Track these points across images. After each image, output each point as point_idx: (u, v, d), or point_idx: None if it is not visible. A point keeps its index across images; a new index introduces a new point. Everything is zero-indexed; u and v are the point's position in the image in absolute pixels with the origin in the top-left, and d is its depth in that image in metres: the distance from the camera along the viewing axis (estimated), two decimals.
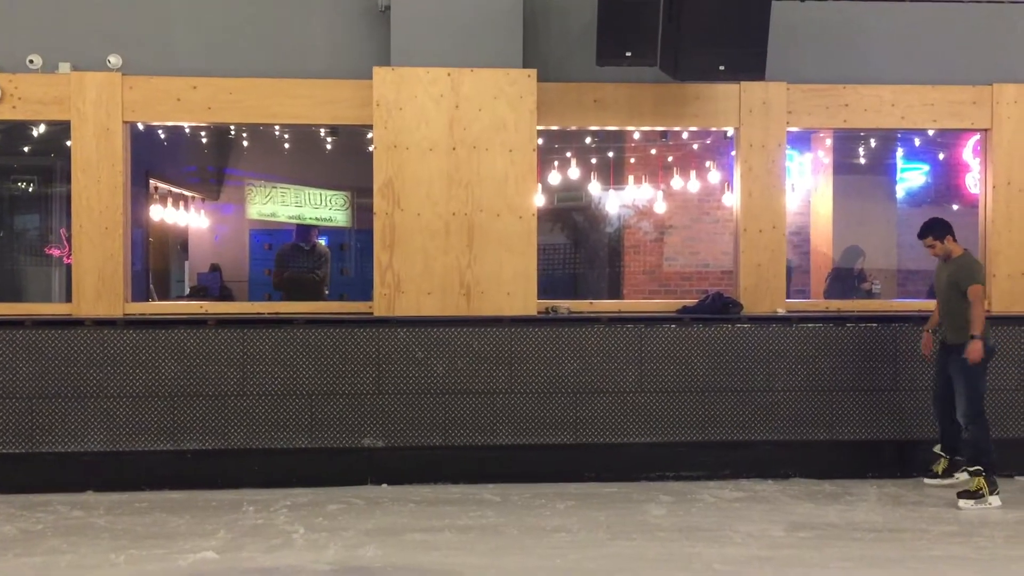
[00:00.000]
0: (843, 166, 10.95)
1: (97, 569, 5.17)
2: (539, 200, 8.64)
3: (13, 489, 6.76)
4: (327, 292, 9.78)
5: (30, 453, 6.83)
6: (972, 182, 9.90)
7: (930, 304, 7.89)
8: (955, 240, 6.81)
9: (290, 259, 9.51)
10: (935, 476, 6.98)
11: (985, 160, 7.89)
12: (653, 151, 11.35)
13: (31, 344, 6.85)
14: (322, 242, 10.15)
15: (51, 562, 5.28)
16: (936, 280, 6.97)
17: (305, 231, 10.06)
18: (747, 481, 7.12)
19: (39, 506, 6.46)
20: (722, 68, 6.85)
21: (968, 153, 10.09)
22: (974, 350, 6.47)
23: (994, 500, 6.43)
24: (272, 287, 9.89)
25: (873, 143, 10.35)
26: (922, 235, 6.84)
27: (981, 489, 6.44)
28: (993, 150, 7.75)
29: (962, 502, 6.43)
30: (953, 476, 6.90)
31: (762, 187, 7.60)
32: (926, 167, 11.45)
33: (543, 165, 10.48)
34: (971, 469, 6.56)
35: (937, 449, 6.99)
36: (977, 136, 8.33)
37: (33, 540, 5.71)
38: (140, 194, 9.71)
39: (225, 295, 10.98)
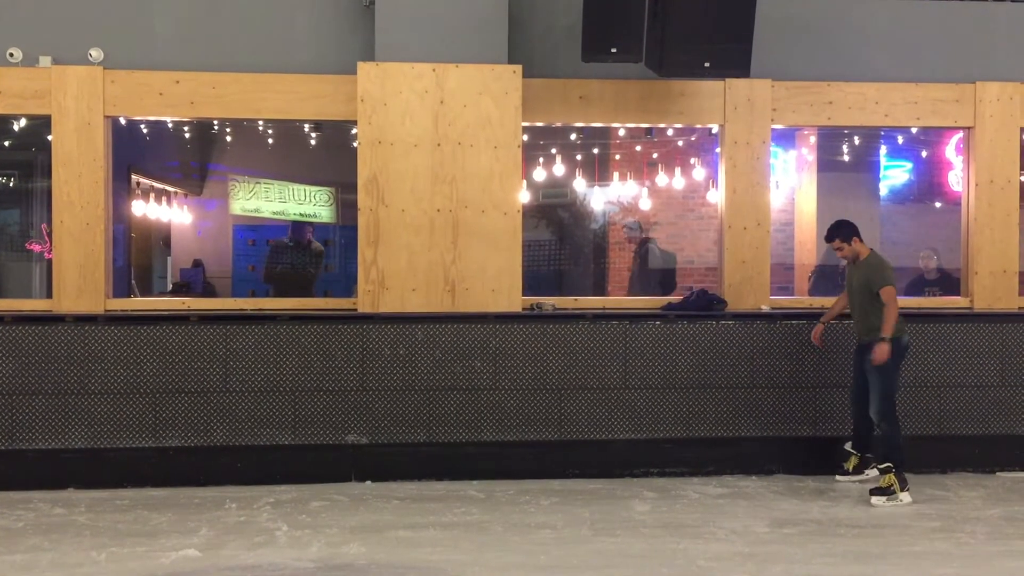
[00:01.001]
0: (827, 163, 10.99)
1: (79, 567, 5.13)
2: (524, 196, 8.62)
3: None
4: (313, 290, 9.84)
5: (10, 450, 6.77)
6: (955, 180, 9.96)
7: (911, 301, 7.98)
8: (862, 241, 6.81)
9: (283, 256, 9.69)
10: (846, 473, 6.98)
11: (968, 158, 7.93)
12: (638, 148, 11.36)
13: (11, 341, 6.79)
14: (319, 244, 10.27)
15: (32, 560, 5.23)
16: (847, 281, 6.93)
17: (299, 229, 10.16)
18: (731, 477, 7.14)
19: (20, 503, 6.40)
20: (707, 65, 6.86)
21: (951, 151, 10.15)
22: (880, 351, 6.45)
23: (905, 497, 6.44)
24: (262, 280, 10.00)
25: (857, 141, 10.41)
26: (829, 238, 6.83)
27: (892, 486, 6.44)
28: (976, 148, 7.79)
29: (874, 499, 6.43)
30: (863, 473, 6.92)
31: (747, 184, 7.61)
32: (909, 165, 11.51)
33: (528, 161, 10.47)
34: (882, 467, 6.58)
35: (848, 446, 6.99)
36: (960, 134, 8.38)
37: (14, 538, 5.66)
38: (122, 189, 9.63)
39: (208, 291, 10.94)
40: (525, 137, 7.52)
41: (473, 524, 5.96)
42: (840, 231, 6.77)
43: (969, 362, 7.36)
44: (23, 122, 7.73)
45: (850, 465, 6.97)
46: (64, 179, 7.13)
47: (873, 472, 6.81)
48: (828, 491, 6.79)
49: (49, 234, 7.42)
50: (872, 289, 6.61)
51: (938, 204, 11.16)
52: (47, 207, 7.56)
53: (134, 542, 5.55)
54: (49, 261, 7.51)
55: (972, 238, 7.81)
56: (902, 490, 6.46)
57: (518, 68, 7.24)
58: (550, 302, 7.51)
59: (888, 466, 6.52)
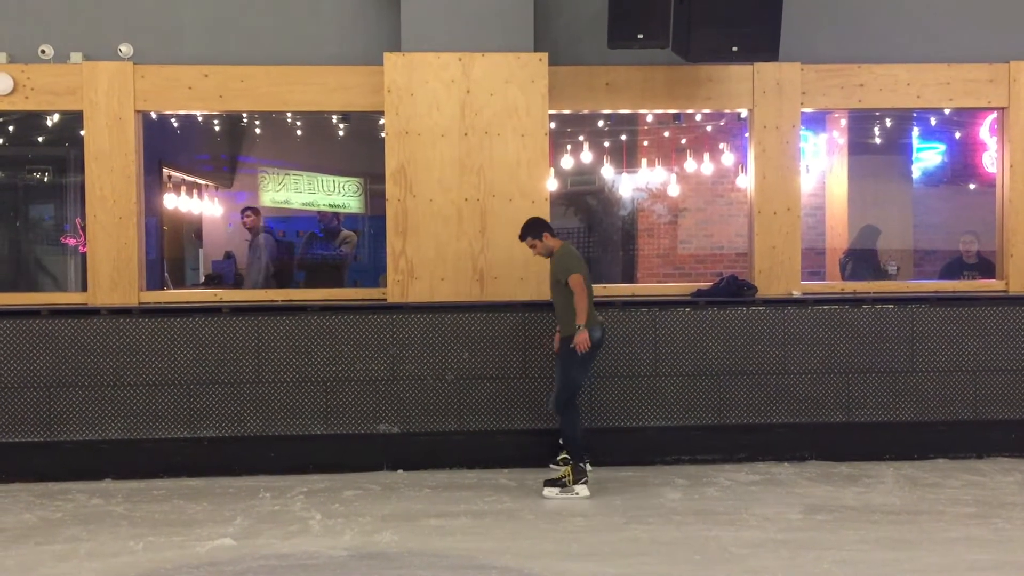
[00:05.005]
0: (858, 146, 10.85)
1: (116, 557, 5.21)
2: (552, 184, 8.61)
3: (32, 477, 6.83)
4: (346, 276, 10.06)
5: (49, 442, 6.88)
6: (989, 161, 9.80)
7: (946, 285, 7.90)
8: (553, 236, 6.61)
9: (311, 244, 10.17)
10: (560, 464, 6.81)
11: (1002, 139, 7.81)
12: (666, 134, 11.29)
13: (48, 333, 6.90)
14: (352, 233, 10.46)
15: (71, 550, 5.32)
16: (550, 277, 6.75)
17: (323, 218, 10.52)
18: (763, 464, 7.11)
19: (58, 494, 6.52)
20: (735, 49, 6.80)
21: (985, 132, 10.00)
22: (581, 340, 6.24)
23: (581, 490, 6.29)
24: (296, 268, 10.44)
25: (889, 123, 10.26)
26: (522, 237, 6.63)
27: (565, 477, 6.32)
28: (1010, 128, 7.67)
29: (547, 491, 6.31)
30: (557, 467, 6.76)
31: (776, 169, 7.55)
32: (942, 146, 11.34)
33: (555, 149, 10.44)
34: (560, 458, 6.50)
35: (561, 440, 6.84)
36: (994, 114, 8.25)
37: (53, 528, 5.76)
38: (154, 183, 9.73)
39: (239, 283, 11.01)
40: (552, 125, 7.50)
41: (504, 512, 5.99)
42: (530, 230, 6.58)
43: (1005, 346, 7.26)
44: (56, 118, 7.81)
45: (562, 457, 6.79)
46: (97, 174, 7.22)
47: (560, 468, 6.68)
48: (862, 477, 6.74)
49: (83, 228, 7.52)
50: (560, 280, 6.44)
51: (972, 186, 11.00)
52: (80, 202, 7.66)
53: (170, 531, 5.63)
54: (83, 255, 7.61)
55: (1007, 220, 7.70)
56: (577, 483, 6.30)
57: (544, 56, 7.22)
58: None
59: (565, 458, 6.45)
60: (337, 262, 10.02)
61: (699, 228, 11.50)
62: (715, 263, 11.29)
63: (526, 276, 7.20)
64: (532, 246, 6.63)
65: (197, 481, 6.80)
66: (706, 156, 11.07)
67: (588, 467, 6.46)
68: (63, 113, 7.55)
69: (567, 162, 10.90)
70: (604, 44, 6.87)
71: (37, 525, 5.84)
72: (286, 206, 12.16)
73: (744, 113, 7.80)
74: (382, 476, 6.90)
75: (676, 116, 9.57)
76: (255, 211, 10.16)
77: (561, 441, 6.75)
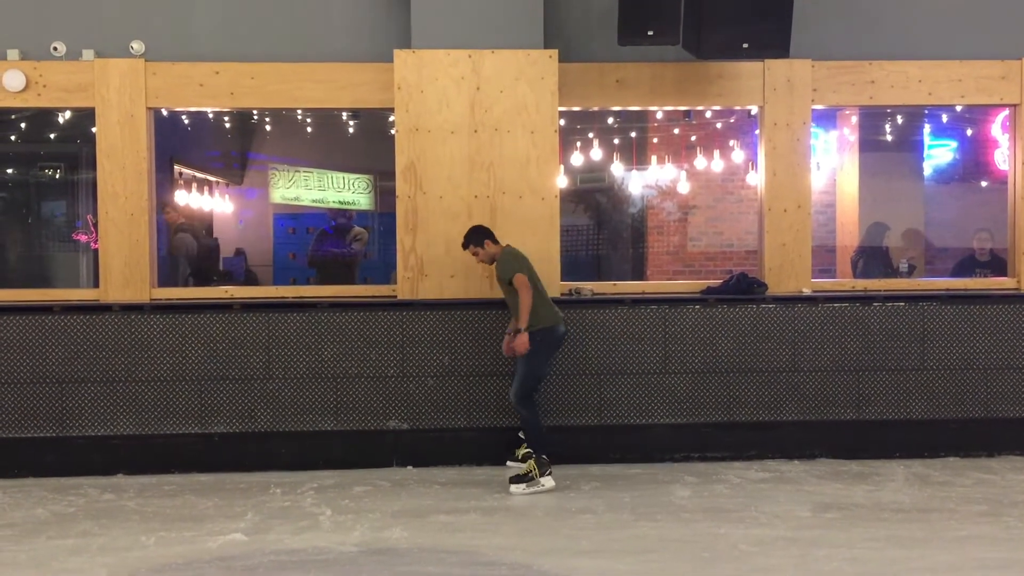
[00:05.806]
0: (869, 143, 10.82)
1: (128, 551, 5.24)
2: (561, 182, 8.60)
3: (45, 472, 6.87)
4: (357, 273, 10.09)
5: (61, 437, 6.93)
6: (1001, 158, 9.76)
7: (958, 283, 7.86)
8: (495, 242, 6.62)
9: (323, 241, 10.13)
10: (516, 460, 6.84)
11: (1014, 135, 7.77)
12: (676, 131, 11.27)
13: (60, 329, 6.93)
14: (363, 230, 10.49)
15: (83, 545, 5.36)
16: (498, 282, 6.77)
17: (333, 215, 10.55)
18: (773, 462, 7.10)
19: (70, 489, 6.55)
20: (745, 46, 6.78)
21: (997, 129, 9.95)
22: (519, 343, 6.31)
23: (547, 481, 6.32)
24: (307, 264, 10.57)
25: (900, 120, 10.24)
26: (464, 245, 6.66)
27: (531, 472, 6.34)
28: (1022, 125, 7.64)
29: (513, 487, 6.32)
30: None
31: (787, 166, 7.53)
32: (954, 143, 11.29)
33: (565, 146, 10.44)
34: (522, 454, 6.53)
35: (521, 434, 6.83)
36: (1006, 111, 8.21)
37: (65, 523, 5.80)
38: (165, 180, 9.77)
39: (250, 279, 11.07)
40: (562, 122, 7.49)
41: (514, 509, 6.00)
42: (472, 238, 6.61)
43: (1016, 343, 7.24)
44: (68, 115, 7.85)
45: (520, 452, 6.82)
46: (108, 171, 7.25)
47: (523, 464, 6.65)
48: (872, 475, 6.73)
49: (95, 225, 7.55)
50: (505, 281, 6.47)
51: (984, 183, 10.95)
52: (92, 198, 7.69)
53: (182, 527, 5.66)
54: (95, 251, 7.64)
55: (1018, 217, 7.66)
56: (543, 475, 6.33)
57: (554, 53, 7.22)
58: (588, 287, 7.50)
59: (528, 452, 6.48)
60: (348, 259, 10.05)
61: (709, 225, 11.48)
62: (725, 260, 11.27)
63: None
64: (475, 253, 6.67)
65: (208, 476, 6.84)
66: (716, 153, 11.05)
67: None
68: (75, 110, 7.58)
69: (577, 159, 10.90)
70: (614, 41, 6.87)
71: (49, 520, 5.87)
72: (296, 203, 12.20)
73: (754, 110, 7.79)
74: (392, 472, 6.92)
75: (686, 113, 9.56)
76: (173, 208, 10.13)
77: (522, 435, 6.77)
